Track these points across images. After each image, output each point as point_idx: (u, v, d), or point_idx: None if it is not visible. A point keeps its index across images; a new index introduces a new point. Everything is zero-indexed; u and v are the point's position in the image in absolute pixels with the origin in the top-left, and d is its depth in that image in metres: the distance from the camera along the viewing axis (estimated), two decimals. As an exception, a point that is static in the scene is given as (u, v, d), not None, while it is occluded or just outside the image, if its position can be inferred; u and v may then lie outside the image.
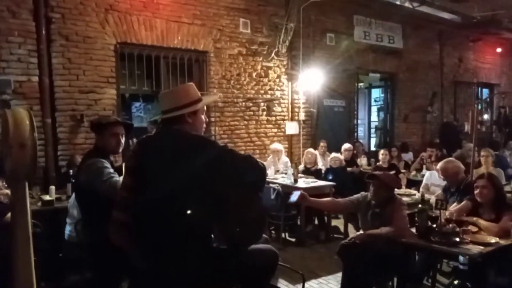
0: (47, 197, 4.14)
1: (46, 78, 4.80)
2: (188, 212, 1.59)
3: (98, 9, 5.12)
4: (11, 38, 4.56)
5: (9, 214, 2.93)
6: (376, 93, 10.56)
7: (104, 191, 2.31)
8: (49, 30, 4.81)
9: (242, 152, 2.18)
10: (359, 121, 9.18)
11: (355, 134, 8.41)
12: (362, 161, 6.97)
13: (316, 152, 6.47)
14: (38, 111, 4.71)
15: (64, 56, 4.94)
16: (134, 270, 1.75)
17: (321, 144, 6.83)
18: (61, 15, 4.88)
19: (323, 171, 6.17)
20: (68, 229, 3.65)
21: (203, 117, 1.87)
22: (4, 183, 3.69)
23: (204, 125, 1.89)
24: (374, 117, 10.49)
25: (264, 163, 6.11)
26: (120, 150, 2.68)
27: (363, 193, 3.43)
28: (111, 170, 2.45)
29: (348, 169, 6.28)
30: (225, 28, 6.22)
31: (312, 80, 6.96)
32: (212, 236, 1.74)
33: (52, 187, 4.33)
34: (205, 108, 1.92)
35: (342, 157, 6.25)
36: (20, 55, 4.64)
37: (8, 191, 3.49)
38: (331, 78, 7.29)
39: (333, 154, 6.20)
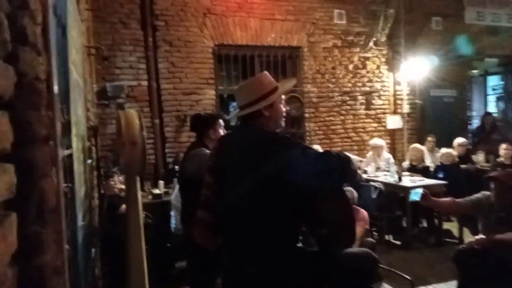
0: (156, 191, 4.50)
1: (154, 82, 5.21)
2: (269, 211, 1.51)
3: (197, 14, 5.39)
4: (123, 47, 5.06)
5: (123, 206, 3.22)
6: (494, 80, 9.29)
7: None
8: (155, 37, 5.20)
9: (336, 149, 2.00)
10: (474, 113, 8.17)
11: (469, 127, 7.48)
12: (479, 157, 6.16)
13: (423, 147, 5.90)
14: (148, 113, 5.14)
15: (168, 61, 5.30)
16: (223, 268, 1.73)
17: (429, 139, 6.21)
18: (164, 22, 5.25)
19: (431, 169, 5.60)
20: (173, 222, 3.88)
21: (281, 106, 1.75)
22: (120, 178, 4.09)
23: (284, 115, 1.77)
24: (492, 107, 9.25)
25: (363, 160, 5.74)
26: None
27: (485, 192, 2.97)
28: None
29: (462, 166, 5.59)
30: (319, 21, 6.05)
31: (416, 69, 6.38)
32: (300, 237, 1.66)
33: (161, 182, 4.72)
34: (283, 96, 1.80)
35: (455, 152, 5.59)
36: (131, 62, 5.11)
37: (123, 186, 3.85)
38: (439, 66, 6.58)
39: (444, 150, 5.58)
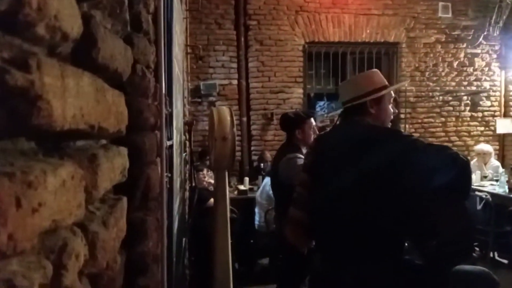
0: (242, 187, 4.59)
1: (244, 81, 5.32)
2: (372, 212, 1.36)
3: (289, 12, 5.36)
4: (217, 47, 5.24)
5: (211, 200, 3.31)
6: None
7: None
8: (247, 37, 5.30)
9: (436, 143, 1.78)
10: None
11: None
12: None
13: (541, 156, 5.14)
14: (236, 111, 5.24)
15: (259, 60, 5.35)
16: (312, 270, 1.64)
17: (548, 147, 5.40)
18: (257, 21, 5.31)
19: (551, 181, 4.84)
20: (257, 219, 3.88)
21: (390, 107, 1.59)
22: (208, 172, 4.23)
23: (391, 117, 1.61)
24: None
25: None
26: None
27: None
28: None
29: None
30: (420, 15, 5.61)
31: (535, 67, 5.58)
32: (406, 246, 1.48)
33: (246, 178, 4.82)
34: (392, 94, 1.63)
35: None
36: (224, 61, 5.27)
37: (211, 180, 3.97)
38: None
39: None
